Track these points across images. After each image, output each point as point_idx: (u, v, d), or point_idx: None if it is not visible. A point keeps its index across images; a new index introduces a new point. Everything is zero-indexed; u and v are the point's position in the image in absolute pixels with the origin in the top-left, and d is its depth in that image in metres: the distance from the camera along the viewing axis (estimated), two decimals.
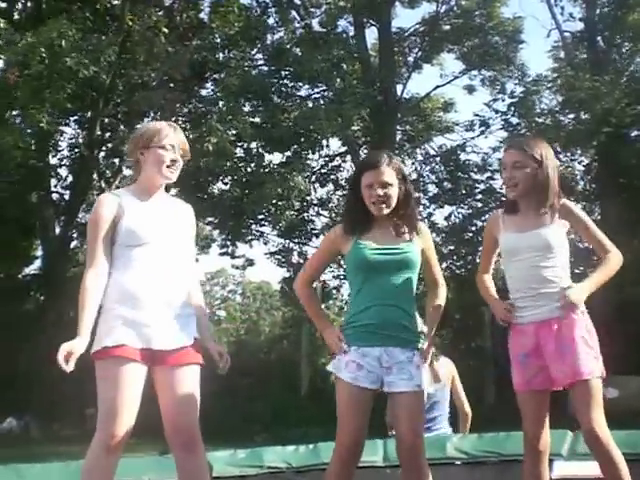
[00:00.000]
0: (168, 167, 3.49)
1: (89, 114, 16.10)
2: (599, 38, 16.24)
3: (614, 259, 3.57)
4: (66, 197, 17.07)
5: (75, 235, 17.40)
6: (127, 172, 17.62)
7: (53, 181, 17.06)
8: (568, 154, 15.79)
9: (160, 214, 3.49)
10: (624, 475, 3.33)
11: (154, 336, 3.31)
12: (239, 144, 15.10)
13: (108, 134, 16.96)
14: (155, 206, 3.51)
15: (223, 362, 3.49)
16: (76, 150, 16.80)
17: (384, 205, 3.49)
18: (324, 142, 15.85)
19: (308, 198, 16.77)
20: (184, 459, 3.38)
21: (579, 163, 16.13)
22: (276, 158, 16.23)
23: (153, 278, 3.37)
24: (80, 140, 16.86)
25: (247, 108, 14.98)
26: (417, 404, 3.41)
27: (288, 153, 15.67)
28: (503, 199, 3.77)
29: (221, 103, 14.80)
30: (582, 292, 3.45)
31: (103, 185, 16.46)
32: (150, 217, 3.45)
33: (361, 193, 3.52)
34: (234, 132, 13.81)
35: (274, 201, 14.89)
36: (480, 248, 17.05)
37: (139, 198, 3.50)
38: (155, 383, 3.39)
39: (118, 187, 17.44)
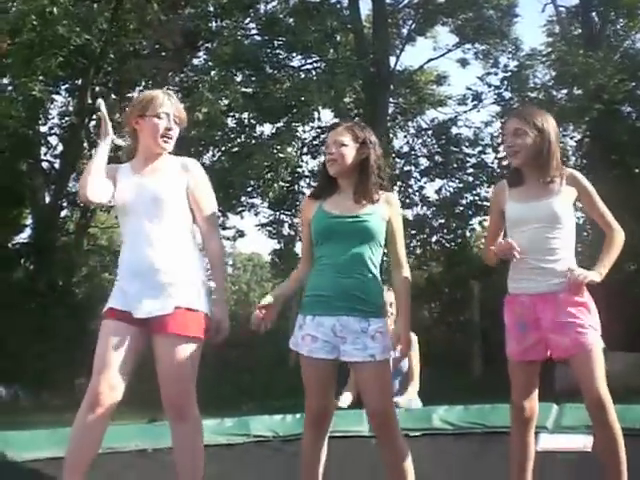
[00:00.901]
0: (163, 136, 3.49)
1: (79, 82, 15.98)
2: (594, 14, 16.15)
3: (618, 237, 3.58)
4: (56, 166, 16.97)
5: (65, 204, 17.33)
6: (117, 141, 17.56)
7: (43, 149, 16.99)
8: (560, 129, 15.72)
9: (147, 180, 3.48)
10: (621, 448, 3.35)
11: (134, 304, 3.36)
12: (230, 114, 15.01)
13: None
14: (146, 173, 3.51)
15: (215, 335, 3.50)
16: (66, 118, 16.70)
17: (335, 163, 3.48)
18: (315, 114, 15.79)
19: (299, 170, 16.72)
20: (175, 427, 3.45)
21: (571, 139, 16.12)
22: (266, 129, 16.17)
23: (135, 247, 3.42)
24: (70, 108, 16.76)
25: (239, 78, 14.86)
26: (375, 374, 3.40)
27: (279, 124, 15.61)
28: (505, 171, 3.75)
29: (213, 72, 14.70)
30: (595, 277, 3.44)
31: (93, 154, 16.36)
32: (135, 185, 3.46)
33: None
34: (225, 102, 13.70)
35: (263, 172, 14.82)
36: (471, 222, 17.13)
37: (134, 168, 3.54)
38: (154, 352, 3.44)
39: (109, 157, 17.36)
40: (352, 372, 3.57)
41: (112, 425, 3.44)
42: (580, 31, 16.33)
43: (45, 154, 17.15)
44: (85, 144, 16.29)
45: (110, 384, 3.29)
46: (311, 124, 16.48)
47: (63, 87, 16.32)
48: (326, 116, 16.66)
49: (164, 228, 3.43)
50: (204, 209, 3.57)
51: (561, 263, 3.46)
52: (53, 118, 16.69)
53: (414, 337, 5.33)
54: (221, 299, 3.58)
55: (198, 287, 3.46)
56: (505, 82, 15.95)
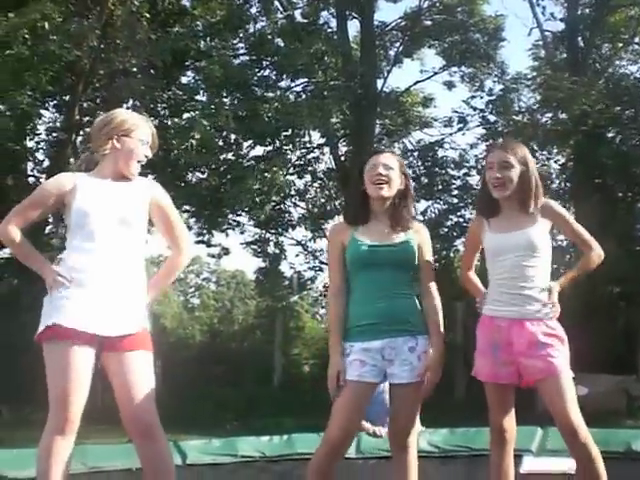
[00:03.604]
0: (139, 162, 3.51)
1: (68, 98, 15.98)
2: (579, 38, 16.35)
3: (595, 255, 3.68)
4: (42, 181, 16.92)
5: (50, 220, 17.27)
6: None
7: (29, 164, 16.94)
8: (545, 152, 15.92)
9: (113, 196, 3.45)
10: (600, 469, 3.40)
11: (100, 322, 3.30)
12: (219, 134, 15.06)
13: (86, 119, 16.83)
14: (109, 189, 3.47)
15: None
16: (54, 134, 16.67)
17: (385, 185, 3.55)
18: (305, 137, 15.92)
19: (286, 190, 16.80)
20: (143, 446, 3.38)
21: (555, 162, 16.28)
22: (257, 151, 16.24)
23: (101, 262, 3.36)
24: (58, 124, 16.74)
25: (228, 100, 14.94)
26: (415, 394, 3.52)
27: (269, 148, 15.70)
28: (478, 205, 3.81)
29: (202, 93, 14.77)
30: (555, 288, 3.56)
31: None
32: (101, 200, 3.42)
33: (363, 183, 3.59)
34: (216, 125, 13.75)
35: (253, 196, 14.87)
36: (455, 243, 17.19)
37: (96, 182, 3.48)
38: (107, 370, 3.39)
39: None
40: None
41: (95, 444, 3.45)
42: (565, 56, 16.53)
43: (32, 169, 17.10)
44: (72, 160, 16.26)
45: (78, 411, 3.30)
46: (298, 146, 16.59)
47: (51, 103, 16.31)
48: (313, 136, 16.74)
49: (128, 248, 3.43)
50: (175, 222, 3.62)
51: (538, 290, 3.56)
52: (40, 133, 16.65)
53: None
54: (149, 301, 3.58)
55: (146, 306, 3.51)
56: (490, 105, 16.09)
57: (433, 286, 3.66)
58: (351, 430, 3.49)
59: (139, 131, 3.50)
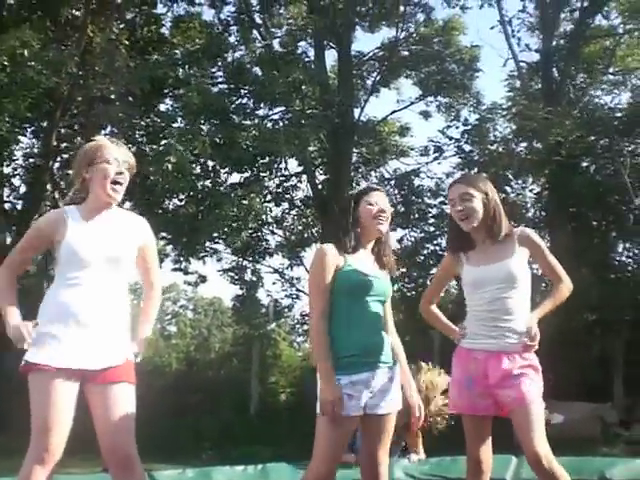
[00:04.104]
0: (114, 183, 3.49)
1: (45, 124, 15.97)
2: (554, 69, 16.56)
3: (565, 288, 3.72)
4: (18, 207, 16.86)
5: None
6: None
7: (6, 191, 16.86)
8: (520, 182, 16.06)
9: (103, 234, 3.49)
10: None
11: (83, 356, 3.34)
12: (196, 162, 15.09)
13: (64, 145, 16.82)
14: (100, 225, 3.51)
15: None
16: (31, 160, 16.63)
17: (385, 223, 3.66)
18: (282, 165, 15.98)
19: (263, 217, 16.81)
20: (120, 477, 3.39)
21: (530, 191, 16.42)
22: (234, 178, 16.26)
23: (86, 296, 3.40)
24: (35, 150, 16.71)
25: (206, 127, 14.99)
26: (391, 425, 3.59)
27: (246, 174, 15.75)
28: (449, 240, 3.87)
29: (180, 120, 14.81)
30: (532, 320, 3.58)
31: (57, 196, 16.29)
32: (92, 237, 3.46)
33: (358, 213, 3.65)
34: (194, 152, 13.79)
35: (230, 222, 14.88)
36: (431, 271, 17.27)
37: (85, 217, 3.52)
38: (88, 402, 3.42)
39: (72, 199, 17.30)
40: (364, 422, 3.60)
41: (69, 474, 3.43)
42: (540, 86, 16.72)
43: (8, 195, 17.03)
44: (49, 186, 16.22)
45: (61, 442, 3.31)
46: (276, 173, 16.65)
47: (29, 129, 16.27)
48: (290, 164, 16.81)
49: (115, 283, 3.48)
50: (153, 266, 3.70)
51: (517, 322, 3.59)
52: (17, 159, 16.61)
53: None
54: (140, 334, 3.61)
55: (128, 337, 3.54)
56: (466, 135, 16.23)
57: (393, 326, 3.83)
58: (336, 464, 3.50)
59: (103, 153, 3.52)
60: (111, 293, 3.45)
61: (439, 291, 3.95)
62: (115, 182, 3.50)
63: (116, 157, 3.52)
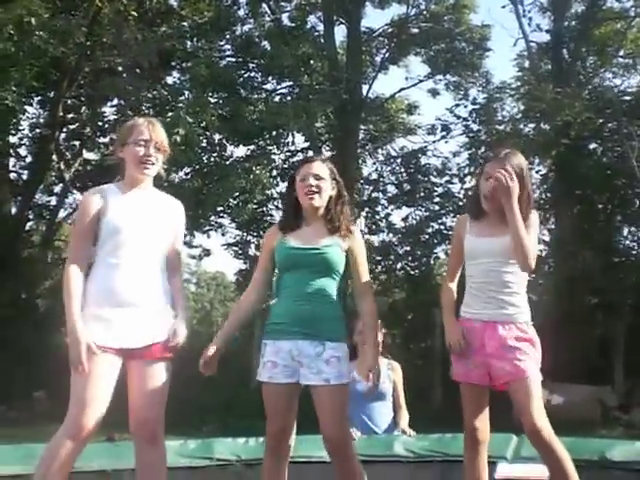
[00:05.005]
0: (143, 163, 3.53)
1: (52, 94, 15.94)
2: (565, 50, 16.46)
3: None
4: (24, 177, 16.87)
5: (31, 216, 17.21)
6: (87, 155, 17.55)
7: (12, 160, 16.88)
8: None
9: (141, 210, 3.54)
10: (569, 470, 3.45)
11: (124, 335, 3.40)
12: (203, 135, 15.07)
13: (70, 116, 16.80)
14: (137, 202, 3.56)
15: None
16: (37, 130, 16.63)
17: (316, 195, 3.60)
18: (289, 138, 15.95)
19: (268, 192, 16.80)
20: (144, 450, 3.48)
21: (537, 172, 16.33)
22: (240, 151, 16.24)
23: (127, 275, 3.44)
24: (41, 120, 16.70)
25: (214, 99, 14.94)
26: (330, 399, 3.48)
27: (253, 147, 15.72)
28: (467, 203, 3.87)
29: (188, 93, 14.76)
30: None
31: (62, 167, 16.30)
32: (130, 213, 3.50)
33: (295, 191, 3.65)
34: (201, 124, 13.76)
35: (237, 194, 14.88)
36: (435, 250, 17.24)
37: (123, 194, 3.56)
38: (128, 377, 3.48)
39: (78, 170, 17.40)
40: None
41: None
42: (550, 67, 16.63)
43: (14, 165, 17.06)
44: (54, 156, 16.22)
45: (96, 420, 3.33)
46: (282, 148, 16.63)
47: (36, 99, 16.25)
48: (297, 140, 16.77)
49: (153, 262, 3.52)
50: (177, 249, 3.70)
51: (514, 295, 3.60)
52: (24, 129, 16.61)
53: (397, 365, 5.41)
54: (182, 319, 3.61)
55: (170, 316, 3.57)
56: (474, 114, 16.17)
57: (368, 291, 3.74)
58: (281, 429, 3.54)
59: (133, 134, 3.56)
60: (150, 272, 3.50)
61: (458, 261, 3.87)
62: (144, 162, 3.54)
63: (145, 138, 3.54)
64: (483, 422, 3.66)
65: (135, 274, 3.45)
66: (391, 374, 5.32)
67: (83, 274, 3.45)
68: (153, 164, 3.58)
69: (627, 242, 15.84)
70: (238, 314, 3.79)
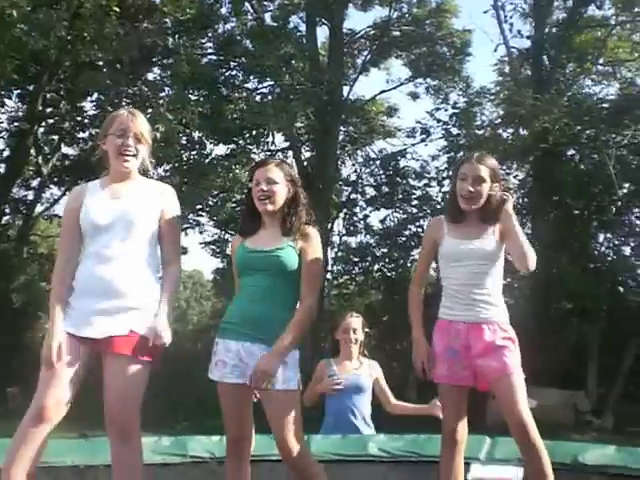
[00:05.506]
0: (121, 154, 3.48)
1: (31, 88, 15.83)
2: (545, 57, 16.57)
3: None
4: (1, 170, 16.72)
5: (7, 210, 17.07)
6: (65, 150, 17.45)
7: None
8: (504, 167, 16.09)
9: (118, 202, 3.47)
10: (547, 470, 3.47)
11: (88, 324, 3.36)
12: (183, 132, 15.03)
13: (49, 110, 16.69)
14: (115, 194, 3.50)
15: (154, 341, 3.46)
16: (15, 123, 16.50)
17: (267, 201, 3.54)
18: (270, 138, 15.94)
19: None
20: (115, 447, 3.40)
21: (514, 177, 16.46)
22: (220, 149, 16.21)
23: (101, 267, 3.39)
24: (20, 114, 16.57)
25: (194, 97, 14.91)
26: (275, 403, 3.44)
27: (232, 146, 15.70)
28: (443, 206, 3.88)
29: (168, 90, 14.73)
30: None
31: (40, 161, 16.19)
32: (106, 207, 3.45)
33: (252, 194, 3.61)
34: (181, 121, 13.72)
35: (216, 192, 14.85)
36: (412, 253, 17.25)
37: (102, 187, 3.53)
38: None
39: (55, 165, 17.30)
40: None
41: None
42: (530, 73, 16.74)
43: None
44: (32, 151, 16.11)
45: (56, 399, 3.29)
46: (262, 148, 16.61)
47: (15, 92, 16.13)
48: (277, 139, 16.77)
49: (132, 251, 3.44)
50: (172, 235, 3.61)
51: (494, 296, 3.64)
52: (2, 122, 16.48)
53: (376, 363, 5.43)
54: (164, 316, 3.50)
55: (153, 312, 3.46)
56: (453, 118, 16.25)
57: (306, 295, 3.56)
58: (238, 429, 3.52)
59: (113, 125, 3.51)
60: (127, 262, 3.42)
61: (427, 263, 3.90)
62: (123, 153, 3.48)
63: (123, 128, 3.49)
64: (462, 424, 3.68)
65: (108, 264, 3.39)
66: (373, 372, 5.35)
67: (70, 271, 3.45)
68: (133, 155, 3.50)
69: (602, 248, 15.99)
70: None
